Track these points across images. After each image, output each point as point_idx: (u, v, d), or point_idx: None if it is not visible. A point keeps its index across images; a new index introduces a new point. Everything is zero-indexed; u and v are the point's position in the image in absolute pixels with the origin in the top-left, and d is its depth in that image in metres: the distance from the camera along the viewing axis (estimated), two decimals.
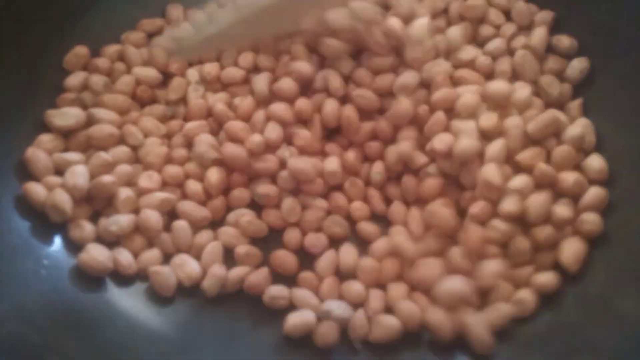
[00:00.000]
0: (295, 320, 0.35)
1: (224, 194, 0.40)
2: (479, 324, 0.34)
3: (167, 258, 0.38)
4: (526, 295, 0.36)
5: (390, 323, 0.35)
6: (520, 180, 0.37)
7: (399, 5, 0.41)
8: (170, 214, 0.39)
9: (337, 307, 0.36)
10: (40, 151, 0.38)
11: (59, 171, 0.38)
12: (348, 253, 0.38)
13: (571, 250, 0.36)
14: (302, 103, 0.41)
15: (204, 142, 0.39)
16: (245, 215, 0.39)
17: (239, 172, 0.39)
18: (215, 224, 0.39)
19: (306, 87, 0.42)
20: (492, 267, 0.36)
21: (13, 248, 0.36)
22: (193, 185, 0.39)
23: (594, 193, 0.37)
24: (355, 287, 0.37)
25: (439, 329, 0.35)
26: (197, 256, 0.38)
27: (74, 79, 0.42)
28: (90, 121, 0.40)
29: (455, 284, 0.35)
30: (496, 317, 0.35)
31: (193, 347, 0.36)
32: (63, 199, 0.37)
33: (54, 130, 0.40)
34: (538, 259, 0.37)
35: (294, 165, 0.39)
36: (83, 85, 0.41)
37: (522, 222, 0.37)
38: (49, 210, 0.37)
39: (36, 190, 0.37)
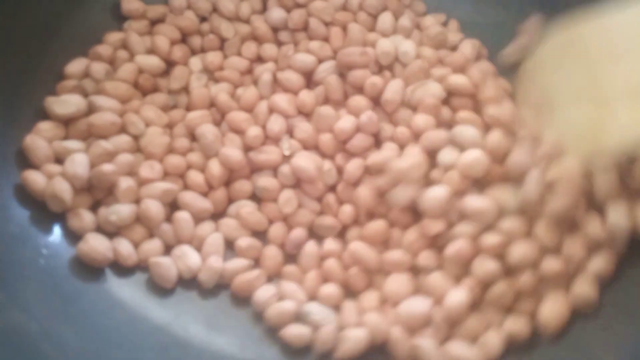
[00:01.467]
0: (275, 310, 0.35)
1: (226, 186, 0.39)
2: (433, 353, 0.33)
3: (168, 249, 0.38)
4: (492, 339, 0.33)
5: (356, 335, 0.34)
6: (508, 223, 0.34)
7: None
8: (172, 205, 0.38)
9: (318, 312, 0.35)
10: (40, 139, 0.38)
11: (59, 160, 0.38)
12: (330, 243, 0.37)
13: (554, 308, 0.33)
14: (305, 95, 0.40)
15: (209, 132, 0.39)
16: (246, 207, 0.38)
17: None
18: (217, 215, 0.39)
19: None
20: (457, 296, 0.33)
21: (11, 237, 0.36)
22: (195, 176, 0.39)
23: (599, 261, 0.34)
24: (329, 289, 0.36)
25: (396, 350, 0.33)
26: (199, 248, 0.37)
27: (75, 66, 0.41)
28: (91, 109, 0.39)
29: (418, 305, 0.34)
30: (455, 354, 0.33)
31: (192, 339, 0.36)
32: (62, 188, 0.36)
33: (53, 117, 0.39)
34: (517, 304, 0.34)
35: (296, 163, 0.38)
36: (84, 73, 0.41)
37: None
38: (48, 199, 0.36)
39: (35, 178, 0.37)
